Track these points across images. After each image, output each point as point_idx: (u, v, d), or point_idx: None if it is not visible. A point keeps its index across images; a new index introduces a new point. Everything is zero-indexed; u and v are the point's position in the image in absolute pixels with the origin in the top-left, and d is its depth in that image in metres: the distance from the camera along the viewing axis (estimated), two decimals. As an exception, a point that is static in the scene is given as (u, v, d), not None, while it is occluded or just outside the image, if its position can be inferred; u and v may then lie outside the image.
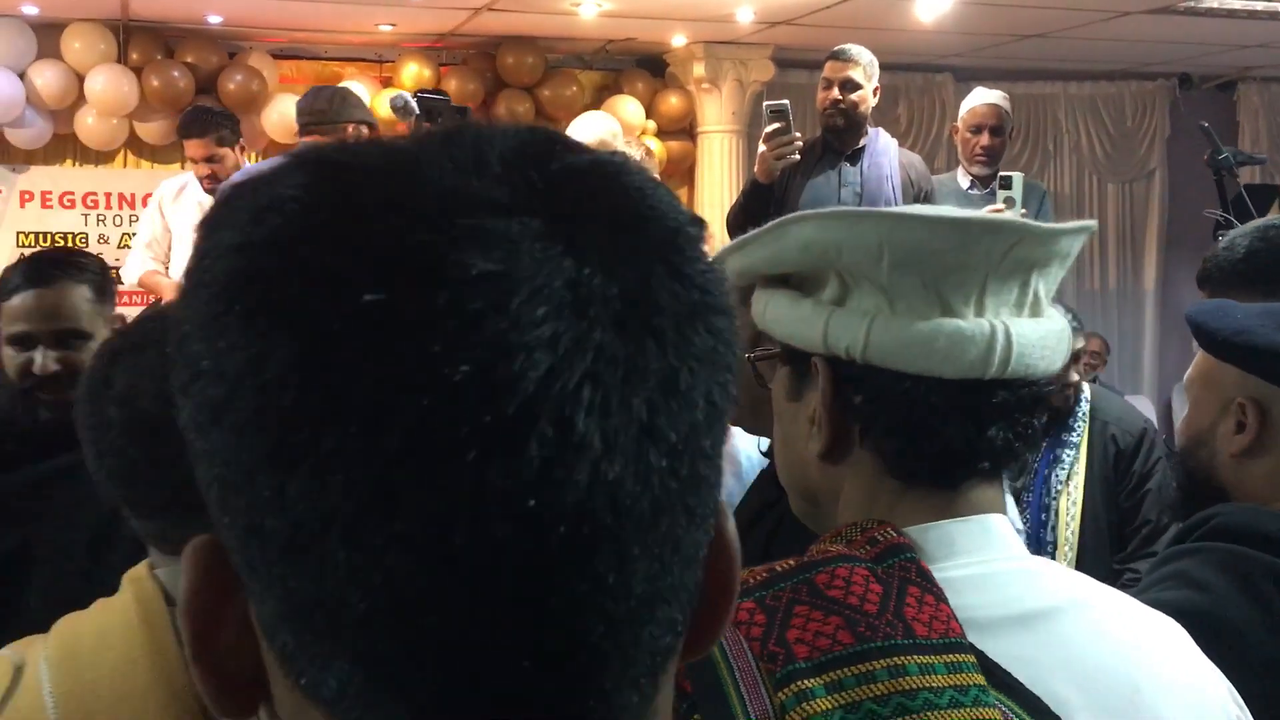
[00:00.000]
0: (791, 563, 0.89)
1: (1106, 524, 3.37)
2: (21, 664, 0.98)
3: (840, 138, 4.10)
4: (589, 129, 4.04)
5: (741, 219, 3.86)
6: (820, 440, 0.96)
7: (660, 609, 0.42)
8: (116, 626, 1.02)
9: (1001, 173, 4.14)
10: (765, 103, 3.87)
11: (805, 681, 0.80)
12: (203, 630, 0.44)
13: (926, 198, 4.14)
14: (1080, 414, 3.41)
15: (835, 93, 4.05)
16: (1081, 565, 3.18)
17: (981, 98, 4.37)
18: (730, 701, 0.82)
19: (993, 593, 0.90)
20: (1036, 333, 0.91)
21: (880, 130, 4.24)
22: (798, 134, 3.79)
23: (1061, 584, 0.94)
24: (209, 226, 0.43)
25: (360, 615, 0.39)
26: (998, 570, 0.92)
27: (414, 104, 4.02)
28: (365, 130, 4.69)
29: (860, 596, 0.85)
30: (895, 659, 0.81)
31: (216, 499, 0.42)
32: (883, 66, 6.71)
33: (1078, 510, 3.36)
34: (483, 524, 0.38)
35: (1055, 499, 3.37)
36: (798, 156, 3.83)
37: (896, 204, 4.05)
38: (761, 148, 3.79)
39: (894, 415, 0.92)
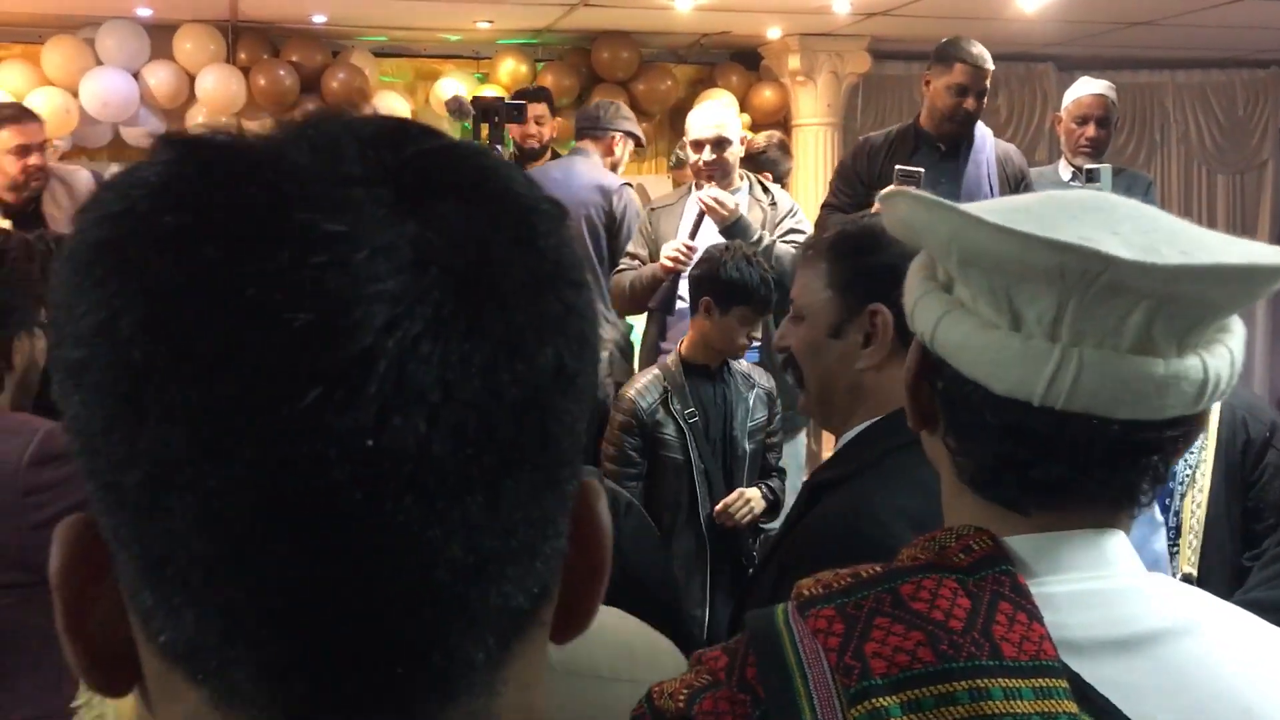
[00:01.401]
0: (878, 569, 0.86)
1: (1233, 515, 3.27)
2: None
3: (948, 139, 4.02)
4: (713, 115, 4.02)
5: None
6: (911, 413, 0.96)
7: (509, 568, 0.43)
8: None
9: (1087, 165, 4.02)
10: (898, 167, 3.75)
11: (881, 699, 0.77)
12: (74, 606, 0.45)
13: (1026, 190, 4.06)
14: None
15: (971, 102, 3.94)
16: (1206, 559, 3.09)
17: (1087, 88, 4.29)
18: (800, 710, 0.80)
19: (1096, 612, 0.85)
20: (1124, 372, 0.82)
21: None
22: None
23: (1176, 605, 0.88)
24: (82, 208, 0.45)
25: (207, 563, 0.40)
26: (1104, 588, 0.86)
27: (468, 105, 4.08)
28: (630, 142, 4.83)
29: (946, 611, 0.81)
30: (978, 681, 0.77)
31: (84, 465, 0.43)
32: (982, 57, 6.56)
33: (1204, 499, 3.26)
34: (321, 467, 0.38)
35: (1182, 487, 3.28)
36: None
37: (993, 197, 3.99)
38: (878, 206, 3.68)
39: (953, 415, 0.91)
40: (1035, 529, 0.88)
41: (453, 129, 5.54)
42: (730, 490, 3.06)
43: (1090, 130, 4.23)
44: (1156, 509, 2.38)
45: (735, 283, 2.98)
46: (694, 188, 3.97)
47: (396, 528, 0.40)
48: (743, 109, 6.76)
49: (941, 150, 4.03)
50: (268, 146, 0.44)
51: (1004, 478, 0.89)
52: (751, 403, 3.14)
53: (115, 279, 0.41)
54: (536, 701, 0.48)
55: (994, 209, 0.88)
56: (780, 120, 6.89)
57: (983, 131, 4.13)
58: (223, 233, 0.40)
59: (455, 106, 4.19)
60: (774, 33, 6.48)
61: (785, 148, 5.42)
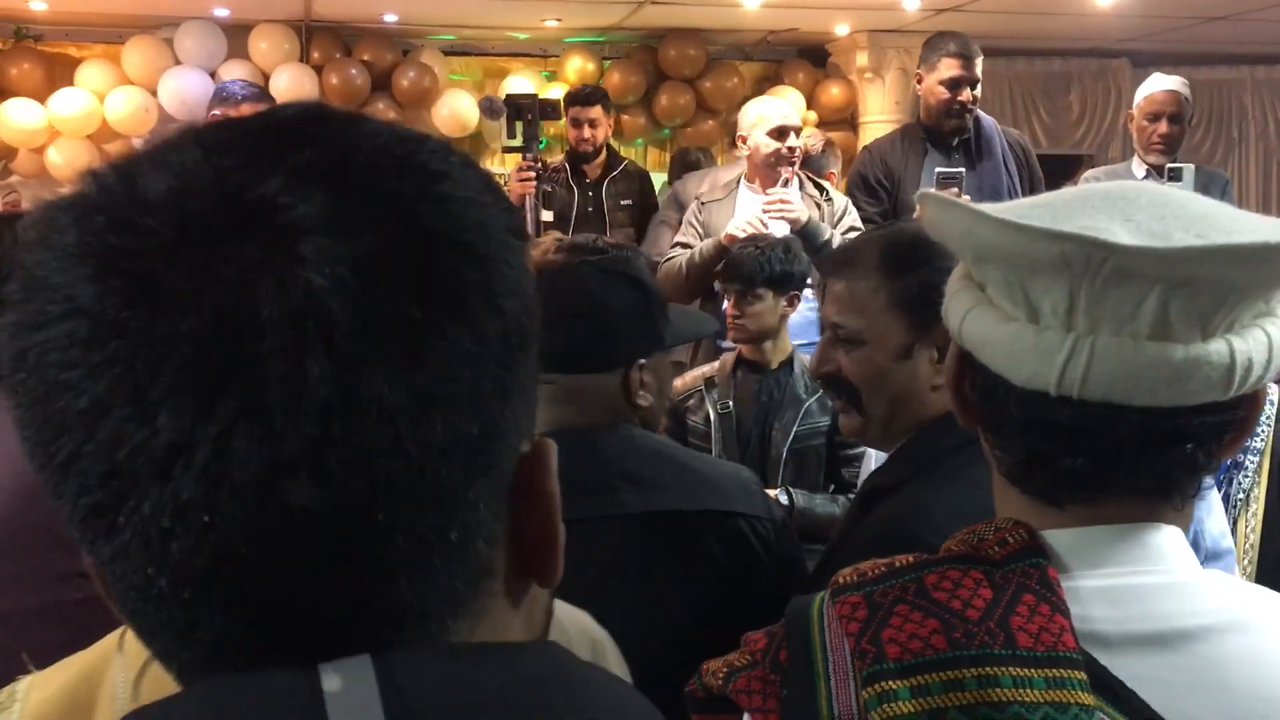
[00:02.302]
0: (911, 559, 0.88)
1: None
2: None
3: (951, 134, 3.99)
4: (787, 104, 4.01)
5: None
6: (956, 409, 0.96)
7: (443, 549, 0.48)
8: None
9: (1170, 165, 3.97)
10: (938, 169, 3.74)
11: (890, 683, 0.79)
12: (97, 573, 0.52)
13: (1035, 176, 4.05)
14: (1266, 416, 3.26)
15: (965, 94, 3.91)
16: (1262, 576, 3.04)
17: (1160, 84, 4.22)
18: (818, 690, 0.83)
19: (1129, 608, 0.84)
20: (1140, 359, 0.81)
21: (978, 111, 4.10)
22: (966, 197, 3.68)
23: (1226, 602, 0.86)
24: None
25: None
26: (1141, 584, 0.85)
27: (500, 103, 4.10)
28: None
29: (965, 601, 0.83)
30: (987, 669, 0.78)
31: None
32: (1054, 52, 6.52)
33: (1259, 511, 3.21)
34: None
35: (1236, 509, 3.23)
36: None
37: (1016, 190, 3.96)
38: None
39: (985, 410, 0.91)
40: (1075, 523, 0.88)
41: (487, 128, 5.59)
42: None
43: (1162, 127, 4.16)
44: (1220, 512, 2.32)
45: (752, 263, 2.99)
46: (743, 180, 3.91)
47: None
48: (809, 106, 6.74)
49: (952, 145, 4.01)
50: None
51: (1034, 471, 0.89)
52: (810, 407, 2.98)
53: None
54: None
55: (1014, 205, 0.88)
56: (847, 117, 6.86)
57: (988, 120, 4.11)
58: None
59: (487, 105, 4.21)
60: (842, 29, 6.45)
61: (832, 144, 5.38)
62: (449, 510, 0.48)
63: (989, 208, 0.85)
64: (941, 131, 4.00)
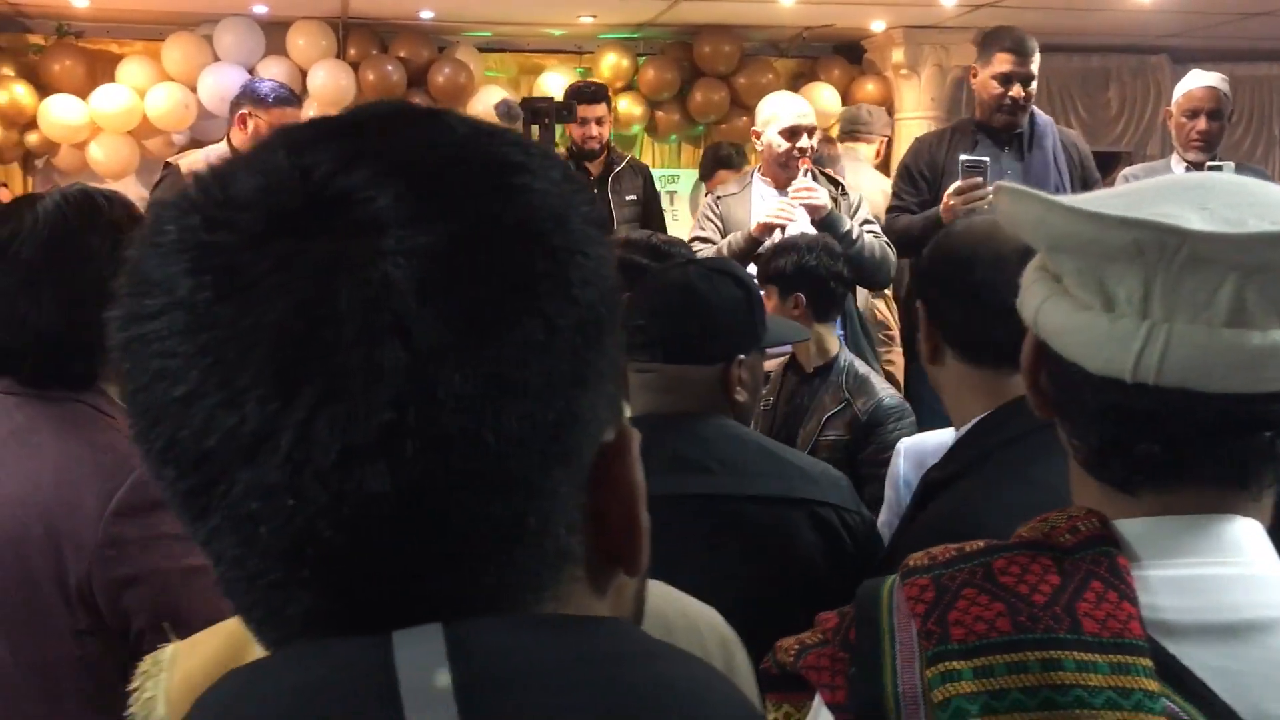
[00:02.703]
0: (981, 544, 0.89)
1: None
2: None
3: (1003, 129, 3.97)
4: (804, 103, 4.03)
5: (912, 241, 3.76)
6: (1033, 402, 0.96)
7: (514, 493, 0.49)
8: None
9: (1209, 162, 3.94)
10: (963, 157, 3.72)
11: (954, 663, 0.81)
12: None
13: (1089, 180, 4.00)
14: None
15: (1018, 90, 3.89)
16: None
17: (1198, 80, 4.17)
18: (884, 668, 0.85)
19: (1199, 598, 0.84)
20: (1216, 345, 0.81)
21: (1033, 108, 4.06)
22: (991, 188, 3.63)
23: None
24: None
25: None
26: (1213, 575, 0.85)
27: (517, 107, 4.12)
28: (885, 140, 5.09)
29: (1032, 586, 0.83)
30: (1050, 652, 0.79)
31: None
32: (1093, 48, 6.45)
33: None
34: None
35: None
36: (988, 209, 3.67)
37: (1065, 189, 3.91)
38: (950, 201, 3.64)
39: (1061, 399, 0.91)
40: (1150, 512, 0.88)
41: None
42: None
43: (1201, 124, 4.11)
44: None
45: (798, 269, 2.97)
46: (758, 174, 3.99)
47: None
48: (844, 102, 6.71)
49: (1003, 140, 3.98)
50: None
51: (1110, 458, 0.89)
52: (830, 418, 2.90)
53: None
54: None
55: (1088, 195, 0.90)
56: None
57: (1044, 119, 4.08)
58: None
59: (504, 110, 4.22)
60: (878, 25, 6.43)
61: (832, 143, 5.39)
62: (525, 497, 0.49)
63: (1062, 198, 0.87)
64: (993, 127, 3.98)
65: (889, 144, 5.45)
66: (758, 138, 3.98)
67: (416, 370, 0.45)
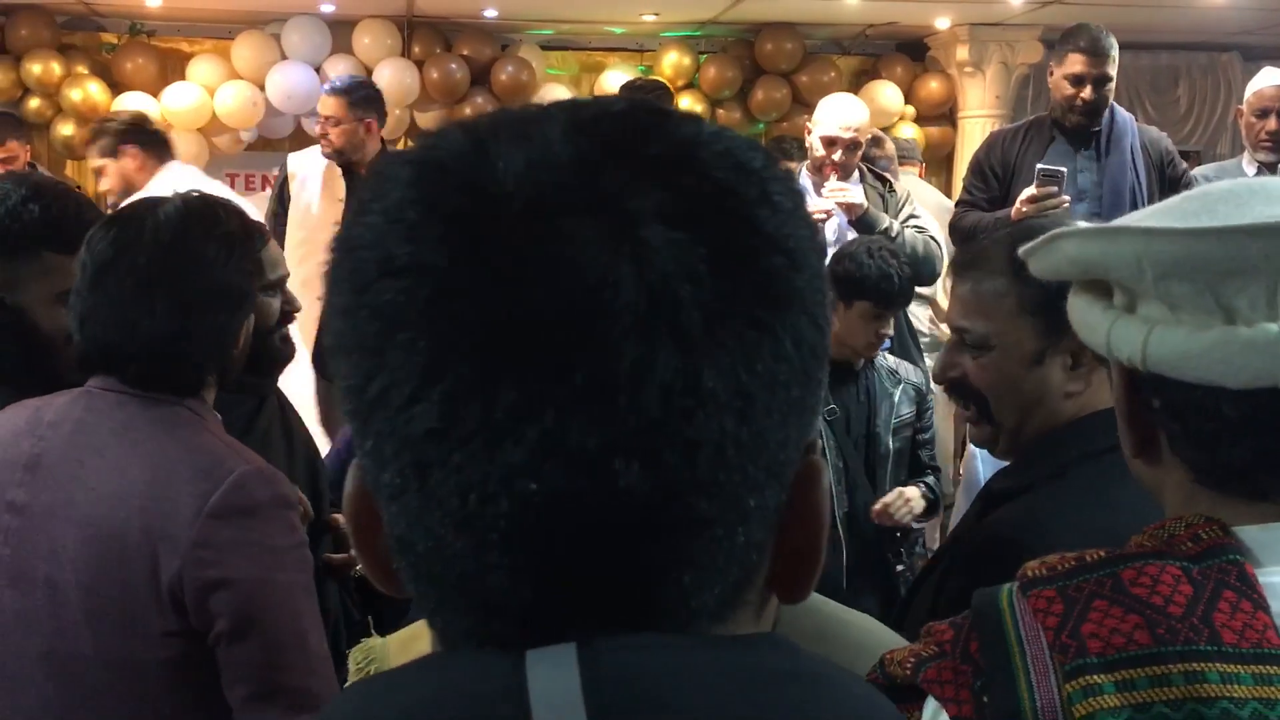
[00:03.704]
0: (1102, 553, 0.87)
1: None
2: None
3: (1076, 129, 3.89)
4: (850, 116, 4.03)
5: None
6: (1128, 441, 0.95)
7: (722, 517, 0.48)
8: None
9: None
10: (1040, 165, 3.65)
11: (1095, 677, 0.80)
12: (359, 534, 0.53)
13: (1174, 178, 3.89)
14: None
15: (1089, 92, 3.80)
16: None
17: (1270, 79, 4.09)
18: (1018, 685, 0.83)
19: None
20: None
21: (1114, 105, 3.97)
22: (1066, 199, 3.58)
23: None
24: None
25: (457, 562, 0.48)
26: None
27: None
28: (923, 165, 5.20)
29: (1166, 597, 0.82)
30: (1194, 664, 0.79)
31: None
32: (1162, 46, 6.33)
33: None
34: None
35: None
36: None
37: (1142, 190, 3.84)
38: (1023, 207, 3.59)
39: (1189, 424, 0.88)
40: (1267, 517, 0.87)
41: None
42: (873, 488, 3.02)
43: (1272, 124, 4.03)
44: None
45: (854, 275, 2.90)
46: (806, 171, 4.03)
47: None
48: (907, 100, 6.67)
49: (1080, 140, 3.90)
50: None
51: (1256, 471, 0.87)
52: (897, 399, 3.06)
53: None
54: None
55: (1164, 215, 0.87)
56: (946, 112, 6.78)
57: (1124, 117, 3.98)
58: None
59: None
60: (943, 23, 6.37)
61: (880, 144, 5.35)
62: (744, 511, 0.48)
63: (1161, 222, 0.85)
64: (1066, 126, 3.92)
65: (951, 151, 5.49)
66: (808, 134, 4.06)
67: (685, 370, 0.45)
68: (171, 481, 1.49)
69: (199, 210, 1.63)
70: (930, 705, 0.88)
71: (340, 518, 2.25)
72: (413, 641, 1.05)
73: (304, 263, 4.37)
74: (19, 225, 1.82)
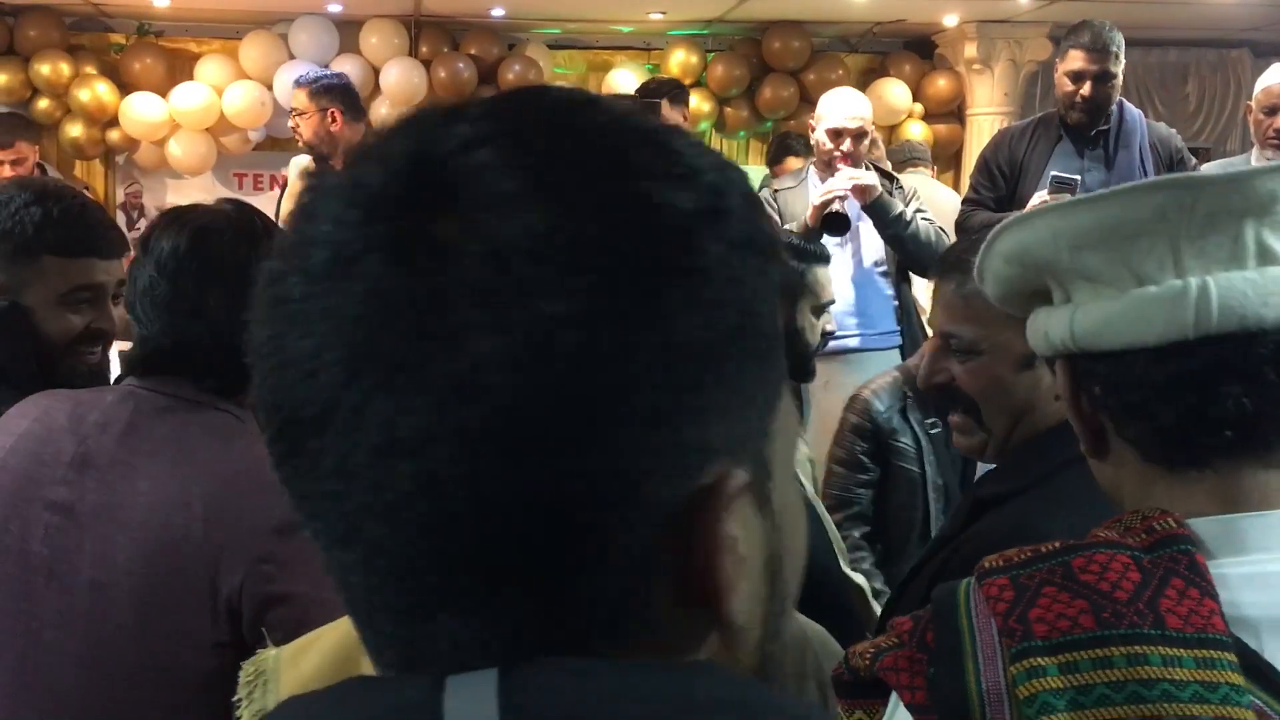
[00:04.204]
0: (1058, 544, 0.89)
1: None
2: None
3: (1080, 127, 3.87)
4: (855, 106, 4.03)
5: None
6: (1084, 442, 0.97)
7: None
8: None
9: None
10: (1053, 173, 3.65)
11: (1039, 659, 0.81)
12: None
13: (1182, 169, 3.86)
14: None
15: (1088, 89, 3.78)
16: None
17: (1278, 75, 4.07)
18: (965, 666, 0.85)
19: (1276, 593, 0.85)
20: (1255, 282, 0.86)
21: (1123, 103, 3.95)
22: None
23: None
24: None
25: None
26: None
27: None
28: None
29: (1113, 583, 0.84)
30: (1136, 647, 0.80)
31: None
32: (1171, 42, 6.30)
33: None
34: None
35: None
36: None
37: None
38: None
39: (1123, 397, 0.91)
40: (1222, 497, 0.89)
41: None
42: None
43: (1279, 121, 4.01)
44: None
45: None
46: (813, 168, 4.03)
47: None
48: (915, 98, 6.65)
49: (1088, 139, 3.88)
50: None
51: (1188, 430, 0.89)
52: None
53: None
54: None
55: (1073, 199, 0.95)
56: (954, 110, 6.76)
57: (1134, 115, 3.96)
58: None
59: None
60: (950, 20, 6.36)
61: (876, 144, 5.37)
62: (581, 526, 0.45)
63: (1070, 199, 0.92)
64: (1070, 124, 3.90)
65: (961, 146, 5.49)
66: (812, 131, 4.07)
67: (471, 378, 0.43)
68: (235, 493, 1.48)
69: (237, 217, 1.64)
70: (893, 699, 0.91)
71: None
72: (302, 653, 1.03)
73: None
74: (21, 229, 1.83)
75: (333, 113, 4.24)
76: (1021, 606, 0.85)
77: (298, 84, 4.39)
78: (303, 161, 4.54)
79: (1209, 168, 4.25)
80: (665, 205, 0.46)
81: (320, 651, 0.99)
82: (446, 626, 0.46)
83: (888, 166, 4.71)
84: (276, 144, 6.51)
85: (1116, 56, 3.82)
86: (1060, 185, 3.57)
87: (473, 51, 6.41)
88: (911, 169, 5.45)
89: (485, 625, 0.46)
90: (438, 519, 0.44)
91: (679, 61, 6.57)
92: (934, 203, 4.45)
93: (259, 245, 1.60)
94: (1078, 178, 3.61)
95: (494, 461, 0.43)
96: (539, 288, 0.43)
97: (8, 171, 4.85)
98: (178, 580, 1.46)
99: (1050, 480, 1.41)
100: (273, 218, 4.72)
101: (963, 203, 4.14)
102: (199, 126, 6.16)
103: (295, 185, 4.47)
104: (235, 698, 1.01)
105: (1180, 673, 0.79)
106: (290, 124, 4.48)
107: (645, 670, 0.46)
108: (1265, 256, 0.88)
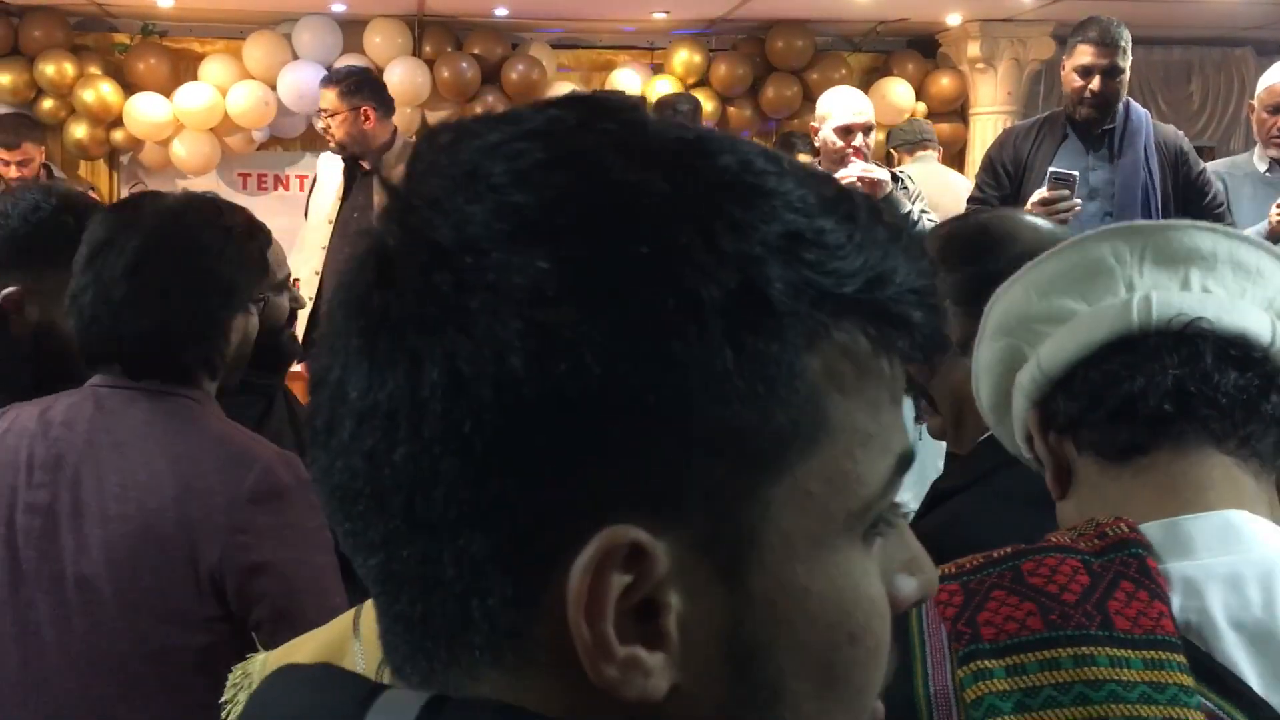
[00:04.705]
0: (1009, 549, 0.89)
1: None
2: None
3: (1088, 124, 3.86)
4: (862, 102, 4.04)
5: None
6: (1053, 485, 0.99)
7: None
8: None
9: None
10: (1052, 169, 3.63)
11: (986, 662, 0.81)
12: None
13: (1189, 178, 3.86)
14: None
15: (1097, 84, 3.77)
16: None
17: (1281, 74, 4.07)
18: (914, 671, 0.85)
19: (1231, 594, 0.84)
20: (1192, 297, 0.92)
21: (1130, 101, 3.94)
22: (1078, 201, 3.55)
23: None
24: None
25: None
26: (1241, 571, 0.85)
27: None
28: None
29: (1062, 586, 0.84)
30: (1083, 649, 0.80)
31: None
32: (1175, 41, 6.29)
33: None
34: None
35: None
36: (1071, 219, 3.51)
37: (1155, 190, 3.81)
38: (1034, 210, 3.47)
39: (1078, 402, 0.94)
40: (1171, 492, 0.90)
41: None
42: None
43: (1283, 120, 4.01)
44: None
45: None
46: (818, 168, 4.03)
47: None
48: (918, 97, 6.65)
49: (1093, 138, 3.87)
50: None
51: (1132, 412, 0.91)
52: None
53: None
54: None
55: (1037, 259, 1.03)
56: (957, 109, 6.76)
57: (1139, 114, 3.94)
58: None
59: None
60: (954, 19, 6.36)
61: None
62: (438, 538, 0.45)
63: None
64: (1078, 121, 3.90)
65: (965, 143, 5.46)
66: (815, 134, 4.07)
67: (344, 385, 0.46)
68: (202, 471, 1.50)
69: (200, 203, 1.64)
70: None
71: None
72: (289, 655, 1.03)
73: (305, 264, 4.39)
74: (51, 236, 1.79)
75: (365, 110, 4.18)
76: (970, 610, 0.85)
77: (326, 83, 4.32)
78: (334, 158, 4.47)
79: (1214, 166, 4.25)
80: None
81: (305, 655, 1.00)
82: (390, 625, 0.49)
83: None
84: (280, 144, 6.53)
85: (1124, 51, 3.82)
86: (1059, 180, 3.56)
87: (476, 51, 6.41)
88: (922, 150, 5.42)
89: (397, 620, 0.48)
90: (351, 512, 0.47)
91: (682, 61, 6.57)
92: (948, 188, 4.44)
93: (213, 227, 1.60)
94: (1075, 173, 3.60)
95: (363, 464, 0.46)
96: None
97: (14, 173, 4.85)
98: (159, 563, 1.48)
99: (990, 478, 1.42)
100: (303, 216, 4.77)
101: (968, 201, 4.13)
102: (203, 126, 6.17)
103: (334, 182, 4.42)
104: (222, 699, 1.02)
105: (1128, 674, 0.79)
106: (320, 125, 4.39)
107: None
108: (1209, 295, 0.94)
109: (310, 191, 4.70)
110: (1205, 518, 0.88)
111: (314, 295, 4.16)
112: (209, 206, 1.64)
